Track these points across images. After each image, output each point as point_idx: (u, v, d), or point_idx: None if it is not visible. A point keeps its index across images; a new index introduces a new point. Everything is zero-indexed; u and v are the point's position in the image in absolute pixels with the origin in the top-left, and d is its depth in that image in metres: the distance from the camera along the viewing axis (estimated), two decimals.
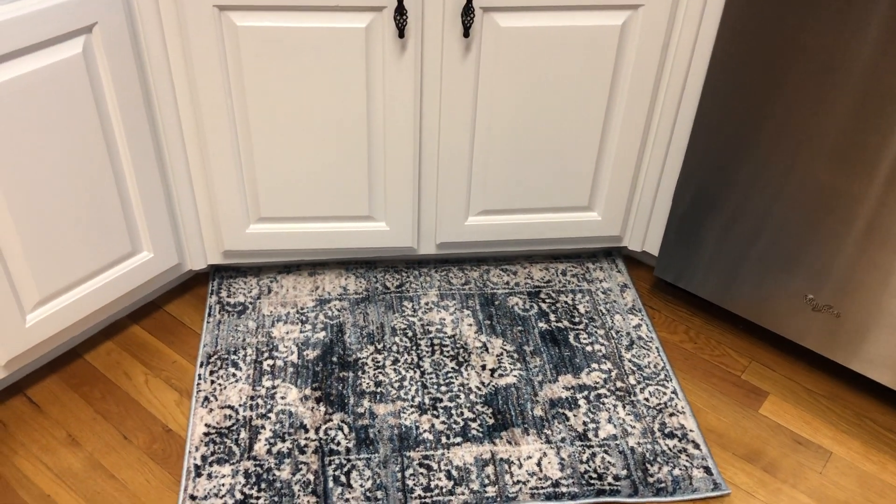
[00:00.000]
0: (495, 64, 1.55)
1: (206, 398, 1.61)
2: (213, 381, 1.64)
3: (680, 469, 1.51)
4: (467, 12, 1.45)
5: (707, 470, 1.52)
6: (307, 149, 1.62)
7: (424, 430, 1.56)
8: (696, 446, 1.56)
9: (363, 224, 1.76)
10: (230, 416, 1.57)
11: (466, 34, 1.47)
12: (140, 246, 1.64)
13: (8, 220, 1.37)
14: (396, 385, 1.65)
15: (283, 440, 1.53)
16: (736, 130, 1.57)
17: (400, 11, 1.43)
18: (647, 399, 1.65)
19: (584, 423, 1.59)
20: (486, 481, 1.47)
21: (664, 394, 1.66)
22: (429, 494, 1.44)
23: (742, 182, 1.61)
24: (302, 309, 1.82)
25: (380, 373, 1.67)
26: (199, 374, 1.65)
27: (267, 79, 1.51)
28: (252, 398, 1.61)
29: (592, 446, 1.54)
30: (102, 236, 1.54)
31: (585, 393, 1.65)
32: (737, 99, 1.54)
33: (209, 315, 1.79)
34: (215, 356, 1.70)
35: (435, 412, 1.59)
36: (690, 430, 1.59)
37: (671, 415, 1.62)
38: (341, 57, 1.49)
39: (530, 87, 1.59)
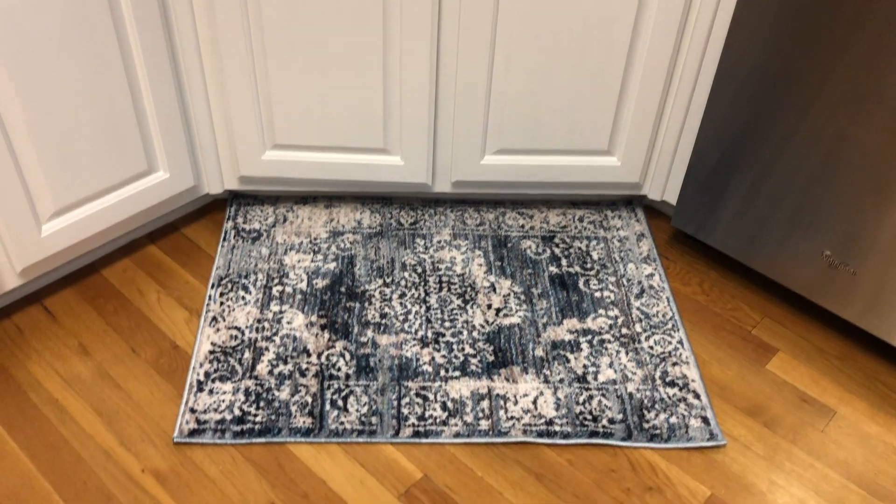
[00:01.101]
0: None
1: (215, 318, 1.64)
2: (222, 303, 1.67)
3: (677, 417, 1.50)
4: None
5: (705, 420, 1.50)
6: (323, 74, 1.61)
7: (424, 363, 1.57)
8: (697, 396, 1.54)
9: (378, 157, 1.76)
10: (236, 337, 1.60)
11: None
12: (156, 165, 1.66)
13: (23, 128, 1.40)
14: (401, 318, 1.66)
15: (286, 363, 1.55)
16: (766, 82, 1.52)
17: None
18: (651, 347, 1.63)
19: (585, 367, 1.58)
20: (480, 415, 1.48)
21: (669, 343, 1.64)
22: (422, 423, 1.46)
23: (772, 139, 1.56)
24: (315, 239, 1.84)
25: (386, 305, 1.69)
26: (210, 296, 1.69)
27: (284, 0, 1.51)
28: (259, 321, 1.63)
29: (590, 389, 1.54)
30: (118, 152, 1.57)
31: (589, 337, 1.64)
32: (769, 48, 1.48)
33: (224, 239, 1.82)
34: (227, 279, 1.72)
35: (436, 346, 1.60)
36: (692, 381, 1.57)
37: (674, 364, 1.60)
38: None
39: (552, 20, 1.55)
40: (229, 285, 1.71)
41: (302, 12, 1.52)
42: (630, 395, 1.53)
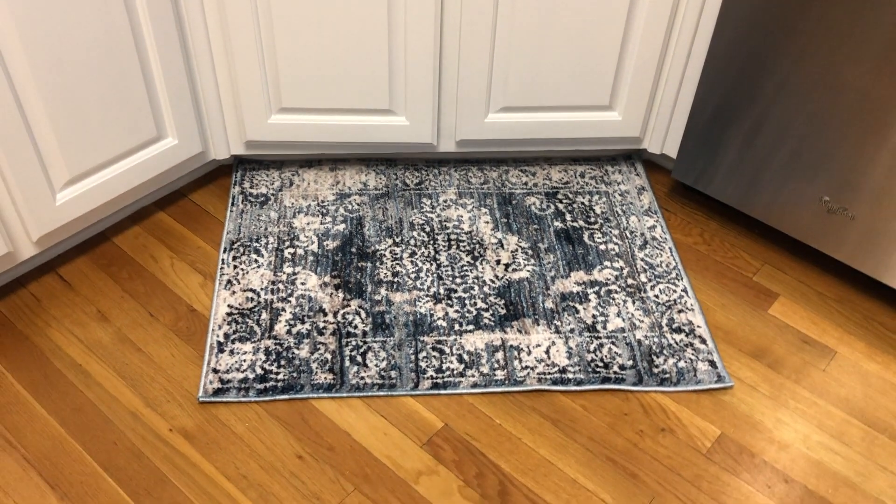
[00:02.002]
0: None
1: (230, 281, 1.66)
2: (235, 266, 1.70)
3: (685, 362, 1.56)
4: None
5: (712, 364, 1.56)
6: (328, 37, 1.63)
7: (438, 318, 1.61)
8: (703, 341, 1.60)
9: (383, 118, 1.78)
10: (252, 299, 1.63)
11: None
12: (165, 132, 1.67)
13: (37, 97, 1.40)
14: (413, 276, 1.69)
15: (303, 322, 1.59)
16: (763, 34, 1.55)
17: None
18: (656, 296, 1.68)
19: (594, 317, 1.63)
20: (496, 365, 1.53)
21: (674, 291, 1.69)
22: (440, 375, 1.50)
23: (768, 88, 1.60)
24: (323, 202, 1.86)
25: (397, 264, 1.72)
26: (223, 259, 1.71)
27: None
28: (273, 283, 1.66)
29: (600, 337, 1.59)
30: (129, 119, 1.58)
31: (596, 288, 1.69)
32: (763, 4, 1.51)
33: (232, 205, 1.84)
34: (238, 243, 1.75)
35: (449, 301, 1.64)
36: (698, 327, 1.62)
37: (680, 311, 1.65)
38: None
39: None
40: (241, 249, 1.74)
41: None
42: (639, 342, 1.58)
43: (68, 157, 1.51)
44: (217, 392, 1.46)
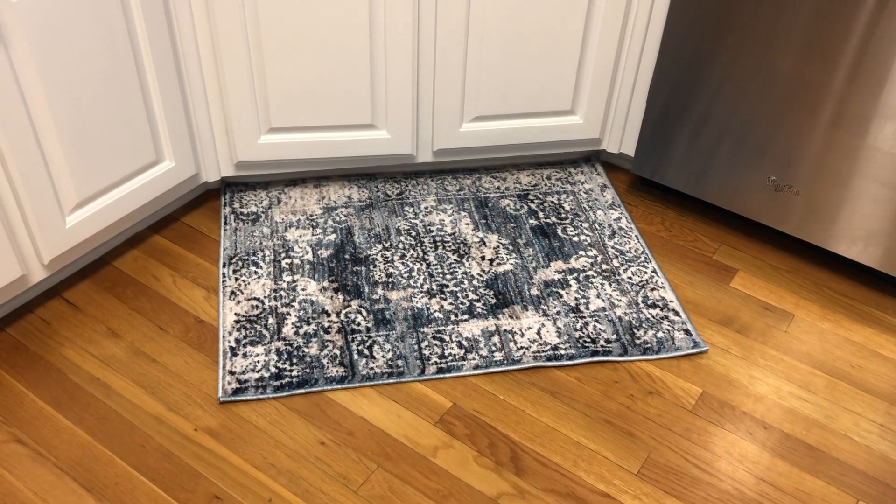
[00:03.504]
0: None
1: (233, 292, 1.75)
2: (237, 279, 1.78)
3: (663, 332, 1.71)
4: None
5: (687, 332, 1.71)
6: (315, 59, 1.75)
7: (435, 311, 1.73)
8: (676, 314, 1.75)
9: (366, 132, 1.91)
10: (257, 306, 1.72)
11: None
12: (163, 155, 1.76)
13: (51, 127, 1.49)
14: (406, 275, 1.81)
15: (309, 323, 1.68)
16: (703, 34, 1.74)
17: None
18: (630, 278, 1.84)
19: (576, 299, 1.77)
20: (494, 348, 1.65)
21: (645, 272, 1.85)
22: (444, 360, 1.62)
23: (712, 82, 1.79)
24: (311, 216, 1.97)
25: (389, 266, 1.83)
26: (224, 273, 1.80)
27: None
28: (275, 290, 1.76)
29: (584, 317, 1.73)
30: (130, 144, 1.67)
31: (575, 275, 1.83)
32: (703, 4, 1.71)
33: (225, 224, 1.93)
34: (236, 258, 1.84)
35: (443, 296, 1.76)
36: (670, 301, 1.78)
37: (652, 289, 1.81)
38: None
39: None
40: (240, 262, 1.83)
41: (294, 8, 1.66)
42: (619, 318, 1.73)
43: (77, 181, 1.59)
44: (236, 391, 1.54)
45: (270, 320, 1.69)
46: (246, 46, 1.71)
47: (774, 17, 1.63)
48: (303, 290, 1.76)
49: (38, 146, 1.48)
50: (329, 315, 1.71)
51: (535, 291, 1.78)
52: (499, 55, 1.84)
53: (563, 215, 2.01)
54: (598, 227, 1.98)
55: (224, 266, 1.82)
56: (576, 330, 1.70)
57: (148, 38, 1.59)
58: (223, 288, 1.76)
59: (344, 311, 1.71)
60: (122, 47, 1.55)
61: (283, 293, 1.75)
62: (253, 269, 1.81)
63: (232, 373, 1.58)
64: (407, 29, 1.74)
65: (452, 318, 1.71)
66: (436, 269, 1.83)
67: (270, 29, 1.69)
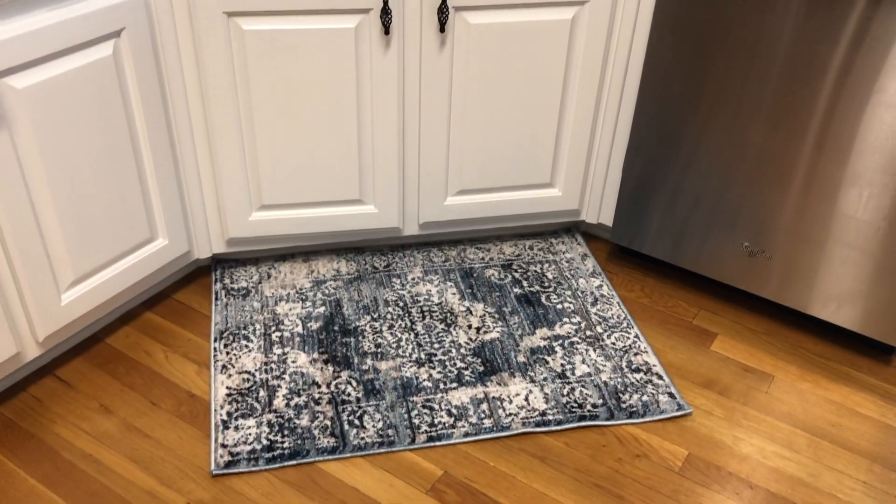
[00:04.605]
0: (467, 55, 1.80)
1: (224, 366, 1.78)
2: (228, 353, 1.81)
3: (647, 396, 1.75)
4: (442, 11, 1.70)
5: (671, 395, 1.75)
6: (305, 138, 1.83)
7: (424, 380, 1.76)
8: (660, 377, 1.80)
9: (354, 207, 1.98)
10: (248, 379, 1.75)
11: (442, 30, 1.72)
12: (157, 233, 1.81)
13: (51, 207, 1.54)
14: (394, 345, 1.85)
15: (299, 395, 1.71)
16: (674, 109, 1.84)
17: (385, 12, 1.67)
18: (613, 343, 1.88)
19: (562, 365, 1.81)
20: (483, 415, 1.68)
21: (628, 338, 1.90)
22: (434, 429, 1.64)
23: (683, 153, 1.88)
24: (301, 289, 2.01)
25: (378, 336, 1.87)
26: (215, 348, 1.83)
27: (269, 75, 1.73)
28: (266, 363, 1.79)
29: (571, 382, 1.77)
30: (126, 222, 1.72)
31: (560, 341, 1.88)
32: (673, 81, 1.81)
33: (216, 299, 1.97)
34: (227, 332, 1.87)
35: (431, 365, 1.80)
36: (654, 365, 1.83)
37: (636, 354, 1.85)
38: (334, 53, 1.72)
39: (497, 76, 1.84)
40: (231, 337, 1.86)
41: (285, 84, 1.74)
42: (605, 383, 1.77)
43: (74, 259, 1.63)
44: (228, 464, 1.56)
45: (261, 393, 1.71)
46: (239, 130, 1.79)
47: (742, 90, 1.74)
48: (293, 362, 1.79)
49: (37, 225, 1.53)
50: (319, 386, 1.73)
51: (521, 358, 1.82)
52: (480, 133, 1.92)
53: (547, 284, 2.07)
54: (580, 295, 2.03)
55: (215, 340, 1.85)
56: (563, 395, 1.73)
57: (145, 123, 1.66)
58: (214, 362, 1.79)
59: (334, 382, 1.74)
60: (120, 131, 1.62)
61: (273, 366, 1.78)
62: (244, 342, 1.84)
63: (224, 445, 1.59)
64: (392, 111, 1.83)
65: (441, 386, 1.74)
66: (424, 338, 1.87)
67: (262, 113, 1.77)
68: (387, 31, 1.69)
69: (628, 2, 1.81)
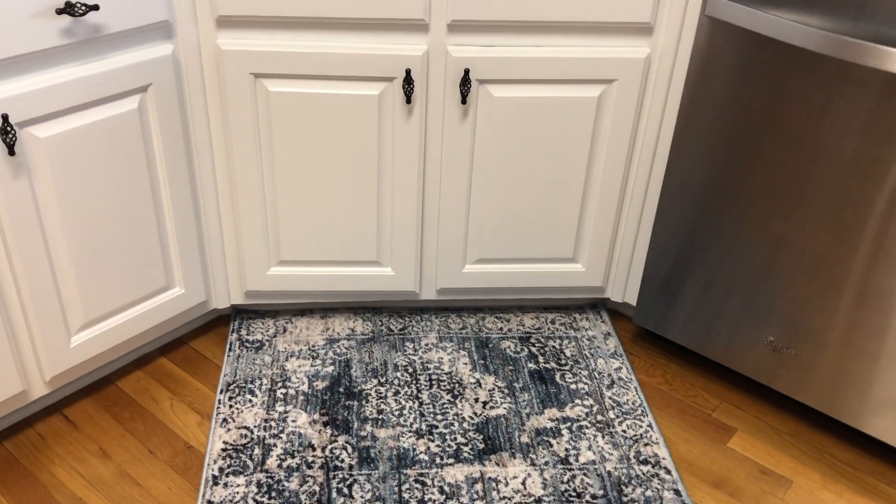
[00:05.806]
0: (489, 128, 1.79)
1: (225, 420, 1.78)
2: (231, 406, 1.82)
3: (652, 491, 1.66)
4: (465, 83, 1.70)
5: (677, 492, 1.66)
6: (325, 198, 1.85)
7: (421, 452, 1.72)
8: (668, 472, 1.71)
9: (371, 269, 1.97)
10: (245, 435, 1.74)
11: (464, 101, 1.72)
12: (173, 282, 1.84)
13: (65, 251, 1.59)
14: (397, 413, 1.82)
15: (293, 457, 1.69)
16: (707, 196, 1.78)
17: (408, 82, 1.68)
18: (624, 431, 1.81)
19: (566, 450, 1.74)
20: (475, 496, 1.62)
21: (640, 426, 1.82)
22: None
23: (718, 246, 1.81)
24: (313, 346, 2.01)
25: (382, 402, 1.85)
26: (219, 400, 1.83)
27: (293, 136, 1.75)
28: (266, 420, 1.78)
29: (573, 469, 1.70)
30: (142, 270, 1.75)
31: (568, 424, 1.81)
32: (707, 166, 1.76)
33: (230, 350, 1.98)
34: (234, 385, 1.88)
35: (431, 437, 1.76)
36: (663, 458, 1.74)
37: (646, 444, 1.77)
38: (357, 119, 1.74)
39: (520, 149, 1.83)
40: (237, 390, 1.86)
41: (308, 145, 1.77)
42: (609, 473, 1.70)
43: (86, 303, 1.67)
44: None
45: (256, 451, 1.70)
46: (261, 186, 1.82)
47: (785, 190, 1.67)
48: (293, 421, 1.78)
49: (51, 268, 1.57)
50: (314, 449, 1.71)
51: (525, 439, 1.77)
52: (501, 203, 1.90)
53: (564, 361, 2.01)
54: (597, 376, 1.97)
55: (221, 392, 1.85)
56: (562, 483, 1.67)
57: (167, 175, 1.70)
58: (217, 415, 1.79)
59: (330, 447, 1.72)
60: (141, 182, 1.66)
61: (273, 423, 1.77)
62: (248, 397, 1.84)
63: (210, 502, 1.58)
64: (413, 177, 1.83)
65: (437, 460, 1.70)
66: (428, 408, 1.84)
67: (285, 171, 1.80)
68: (408, 100, 1.70)
69: (659, 80, 1.77)
